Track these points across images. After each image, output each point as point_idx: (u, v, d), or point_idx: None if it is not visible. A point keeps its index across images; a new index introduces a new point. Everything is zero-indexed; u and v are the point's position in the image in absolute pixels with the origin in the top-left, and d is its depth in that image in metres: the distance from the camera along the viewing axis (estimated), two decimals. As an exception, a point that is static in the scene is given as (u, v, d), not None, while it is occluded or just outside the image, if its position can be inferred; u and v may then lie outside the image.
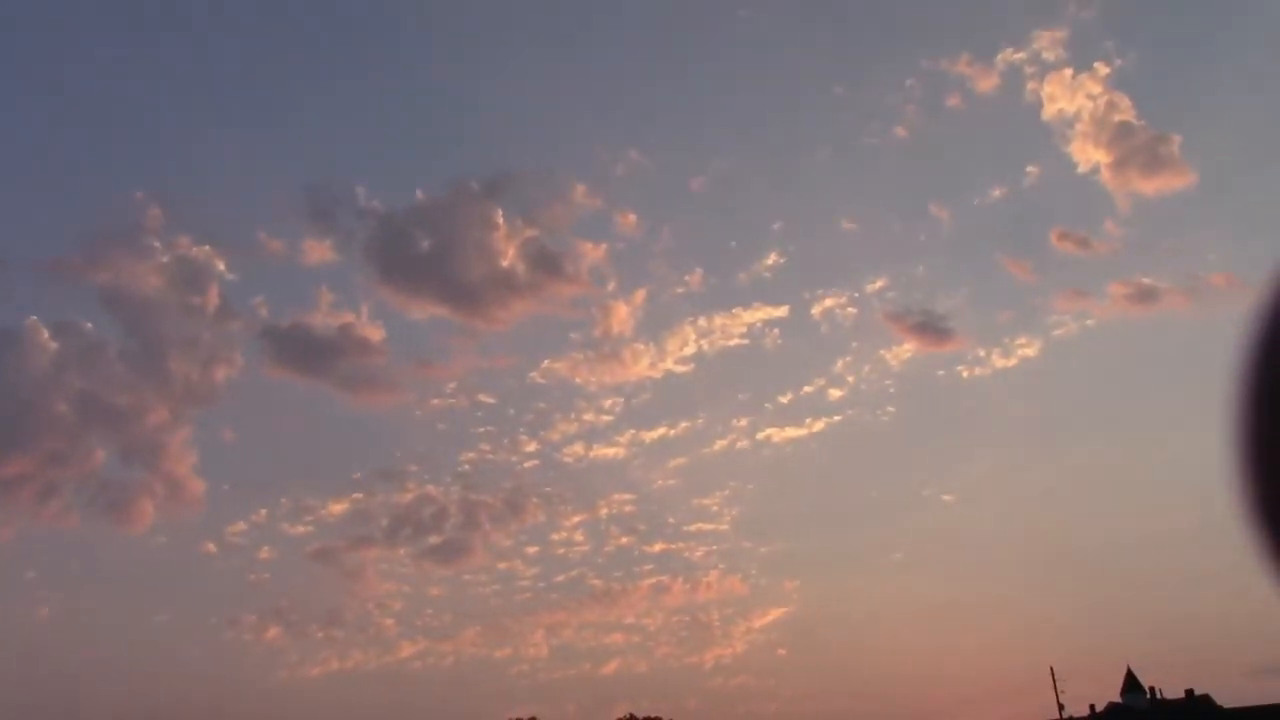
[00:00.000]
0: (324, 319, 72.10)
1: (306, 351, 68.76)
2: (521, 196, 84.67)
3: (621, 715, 48.18)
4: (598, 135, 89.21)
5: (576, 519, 73.16)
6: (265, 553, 70.83)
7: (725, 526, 72.01)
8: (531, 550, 72.81)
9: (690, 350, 74.90)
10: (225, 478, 75.92)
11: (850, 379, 72.65)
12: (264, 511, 71.04)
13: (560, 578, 73.40)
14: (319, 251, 75.64)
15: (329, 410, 76.45)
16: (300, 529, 70.44)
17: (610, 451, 73.60)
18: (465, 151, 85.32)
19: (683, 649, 70.19)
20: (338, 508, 71.54)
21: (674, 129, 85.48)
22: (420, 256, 73.18)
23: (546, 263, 74.04)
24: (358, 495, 76.52)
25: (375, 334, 72.53)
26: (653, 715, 47.99)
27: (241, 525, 70.62)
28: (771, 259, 76.97)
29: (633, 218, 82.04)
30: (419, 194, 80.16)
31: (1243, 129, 75.32)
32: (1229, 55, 77.87)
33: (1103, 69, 73.88)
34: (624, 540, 72.71)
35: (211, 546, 67.74)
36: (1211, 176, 71.57)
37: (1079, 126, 68.63)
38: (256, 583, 70.65)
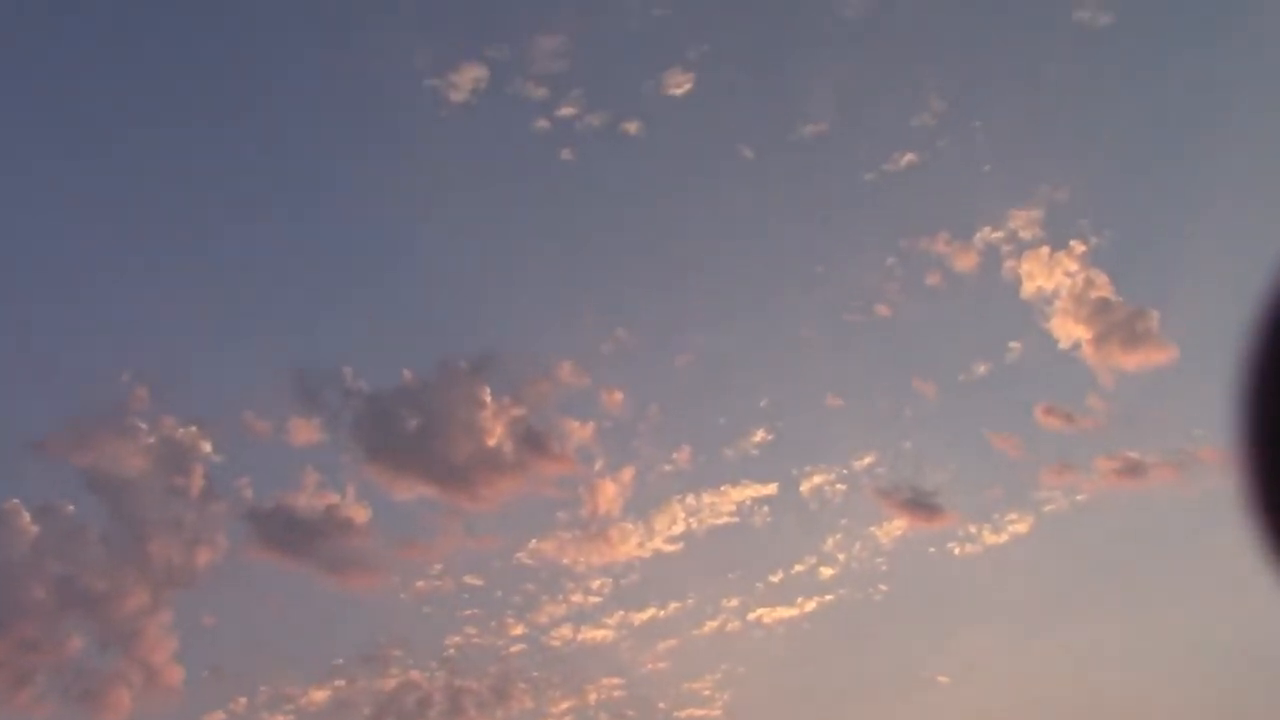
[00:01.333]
0: (309, 500, 70.60)
1: (290, 533, 67.25)
2: (509, 375, 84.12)
3: None
4: (585, 313, 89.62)
5: (565, 705, 69.96)
6: (241, 745, 68.11)
7: (718, 711, 68.84)
8: (516, 738, 69.84)
9: (679, 529, 73.14)
10: (205, 664, 73.08)
11: (841, 557, 70.54)
12: (243, 700, 68.36)
13: (548, 767, 70.17)
14: (306, 431, 74.84)
15: (311, 593, 74.18)
16: (280, 718, 67.85)
17: (599, 634, 71.05)
18: (453, 331, 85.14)
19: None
20: (319, 695, 68.64)
21: (660, 307, 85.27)
22: (407, 436, 72.22)
23: (533, 441, 72.99)
24: (339, 682, 73.42)
25: (360, 514, 70.99)
26: None
27: (220, 715, 67.91)
28: (759, 435, 75.85)
29: (620, 395, 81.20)
30: (406, 374, 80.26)
31: (1219, 304, 75.89)
32: (1201, 231, 79.06)
33: (1079, 247, 74.51)
34: (614, 728, 69.87)
35: (186, 738, 65.38)
36: (1191, 350, 71.49)
37: (1058, 303, 68.73)
38: (230, 778, 67.67)
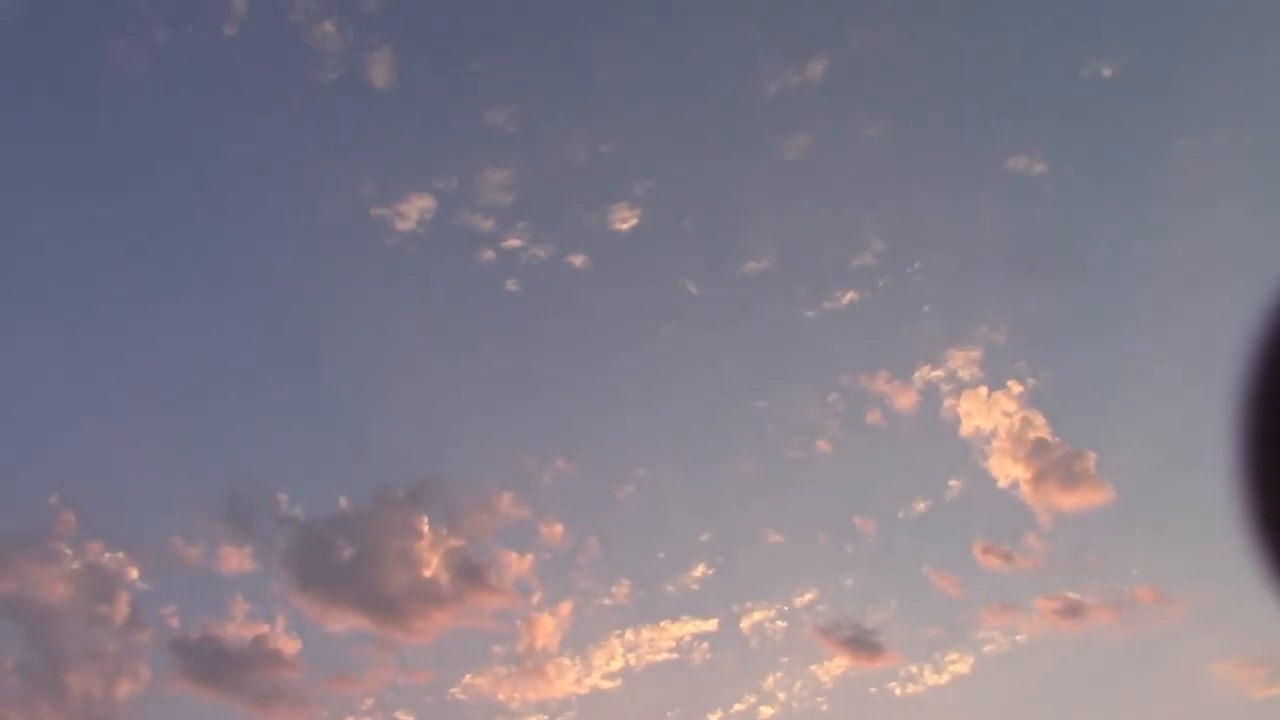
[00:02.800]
0: (237, 630, 68.35)
1: (216, 664, 64.69)
2: (447, 504, 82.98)
3: None
4: (525, 443, 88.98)
5: None
6: None
7: None
8: None
9: (617, 665, 71.61)
10: (114, 805, 69.92)
11: (781, 695, 69.39)
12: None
13: None
14: (236, 559, 72.53)
15: (235, 728, 71.66)
16: None
17: (533, 773, 69.07)
18: (391, 459, 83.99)
19: None
20: (238, 838, 65.56)
21: (601, 439, 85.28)
22: (341, 565, 70.57)
23: (470, 573, 71.68)
24: (260, 825, 70.39)
25: (290, 646, 68.59)
26: None
27: None
28: (699, 570, 75.04)
29: (559, 528, 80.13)
30: (342, 502, 78.83)
31: (1156, 446, 77.34)
32: (1138, 374, 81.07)
33: (1016, 387, 76.28)
34: None
35: None
36: (1129, 492, 72.52)
37: (996, 443, 70.02)
38: None
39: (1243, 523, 0.75)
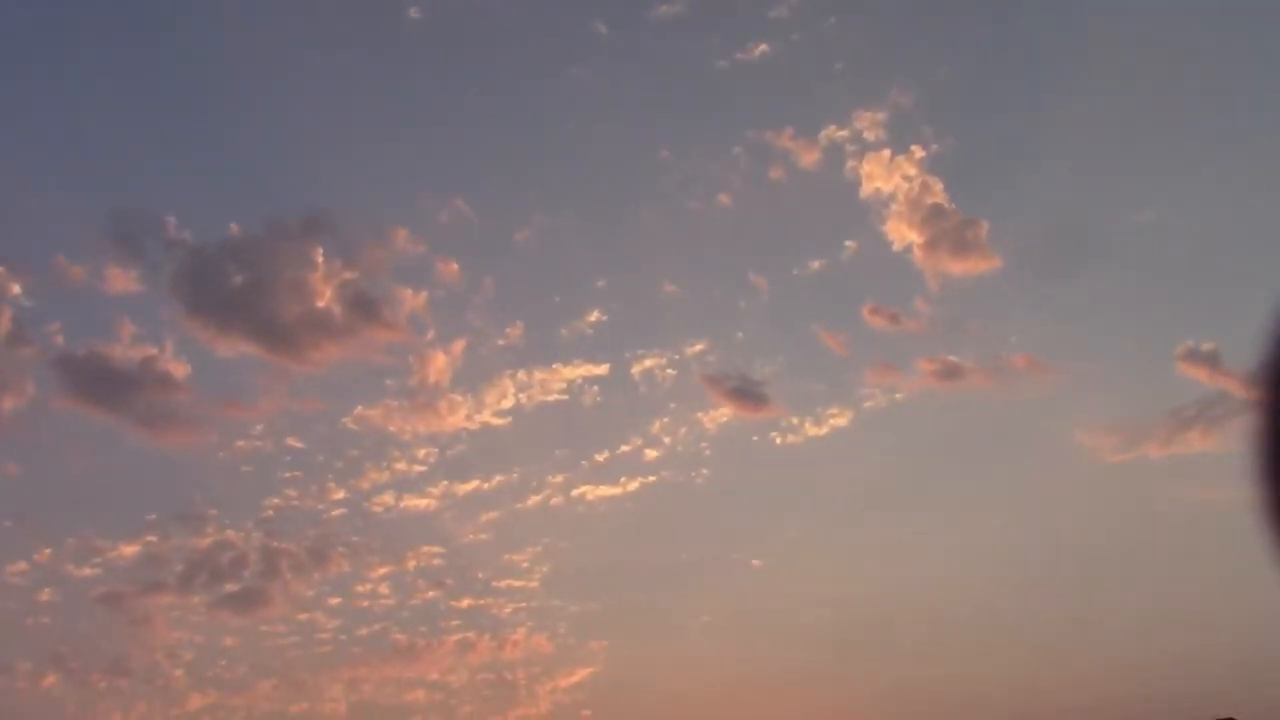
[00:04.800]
0: (125, 351, 68.21)
1: (103, 384, 64.44)
2: (341, 237, 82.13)
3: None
4: (423, 180, 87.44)
5: (383, 570, 70.51)
6: (46, 595, 65.73)
7: (535, 584, 70.52)
8: (334, 601, 69.67)
9: (508, 404, 73.37)
10: (6, 514, 70.62)
11: (667, 440, 72.43)
12: (47, 551, 66.10)
13: (363, 631, 70.41)
14: (122, 281, 71.49)
15: (124, 447, 71.98)
16: (86, 571, 65.49)
17: (421, 503, 71.31)
18: (286, 187, 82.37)
19: (486, 708, 68.17)
20: (129, 550, 66.92)
21: (500, 179, 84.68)
22: (231, 292, 70.07)
23: (364, 307, 71.62)
24: (151, 538, 71.83)
25: (179, 370, 68.64)
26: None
27: (22, 565, 65.47)
28: (594, 316, 76.63)
29: (455, 267, 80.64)
30: (234, 228, 77.18)
31: (1046, 221, 79.64)
32: (1037, 152, 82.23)
33: (919, 152, 77.17)
34: (431, 594, 70.31)
35: (-16, 587, 63.02)
36: (1015, 263, 75.12)
37: (894, 207, 71.21)
38: (35, 627, 65.43)
39: (1260, 516, 0.75)
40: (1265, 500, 0.75)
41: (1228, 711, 42.40)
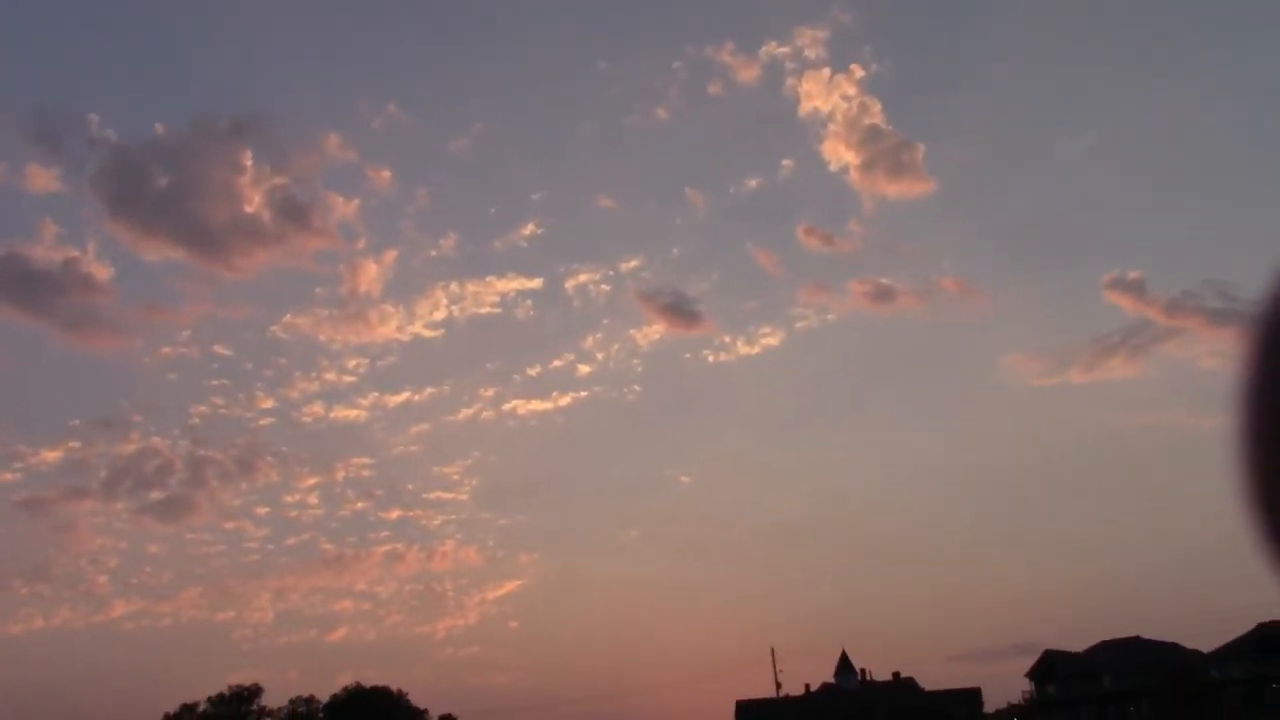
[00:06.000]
0: (46, 252, 66.37)
1: (24, 285, 63.14)
2: (272, 141, 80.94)
3: (347, 684, 46.72)
4: (357, 85, 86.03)
5: (311, 481, 70.61)
6: (-36, 499, 64.86)
7: (465, 496, 71.28)
8: (261, 511, 69.82)
9: (440, 315, 73.59)
10: (-80, 414, 68.98)
11: (599, 356, 73.31)
12: (-36, 455, 65.00)
13: (291, 541, 70.75)
14: (43, 179, 69.50)
15: (47, 351, 70.68)
16: (8, 476, 64.86)
17: (351, 413, 71.43)
18: (214, 87, 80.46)
19: (414, 618, 69.07)
20: (51, 455, 66.22)
21: (437, 88, 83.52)
22: (157, 194, 68.45)
23: (294, 213, 70.74)
24: (74, 443, 70.99)
25: (102, 272, 67.35)
26: (379, 684, 46.77)
27: (-63, 467, 64.38)
28: (529, 229, 76.60)
29: (388, 174, 79.71)
30: (159, 128, 75.29)
31: (982, 146, 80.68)
32: (975, 77, 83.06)
33: (859, 72, 77.60)
34: (360, 505, 70.83)
35: (-96, 490, 61.73)
36: (950, 187, 76.45)
37: (832, 126, 71.56)
38: (-48, 532, 64.67)
39: (1247, 504, 0.72)
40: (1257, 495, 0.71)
41: (1133, 629, 44.29)
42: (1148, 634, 46.16)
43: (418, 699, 46.92)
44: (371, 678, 48.09)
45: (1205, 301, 72.84)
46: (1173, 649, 45.15)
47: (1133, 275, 73.52)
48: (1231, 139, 75.92)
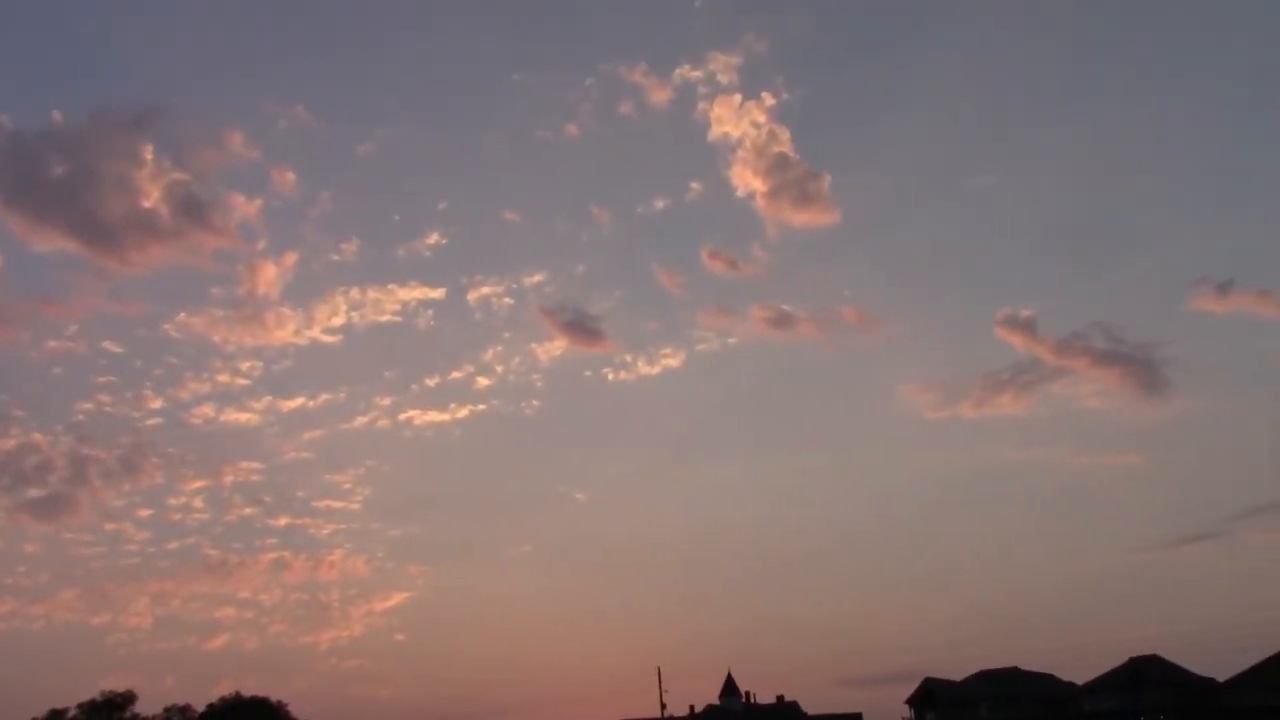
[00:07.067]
0: (-72, 237, 63.85)
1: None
2: (173, 135, 79.07)
3: (225, 693, 45.56)
4: (264, 84, 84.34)
5: (198, 484, 68.88)
6: None
7: (356, 505, 70.19)
8: (144, 513, 67.95)
9: (339, 321, 72.66)
10: None
11: (499, 369, 72.97)
12: None
13: (173, 544, 68.90)
14: (-70, 159, 66.86)
15: (-77, 337, 67.81)
16: (-125, 466, 61.97)
17: (243, 417, 70.02)
18: (116, 77, 78.24)
19: (298, 628, 67.67)
20: (-76, 446, 63.55)
21: (345, 91, 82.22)
22: (51, 183, 66.29)
23: (193, 210, 69.17)
24: (-50, 435, 68.30)
25: (-10, 261, 64.96)
26: (259, 694, 45.73)
27: None
28: (433, 238, 76.09)
29: (291, 176, 78.38)
30: (56, 115, 72.94)
31: (887, 179, 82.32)
32: (883, 113, 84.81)
33: (769, 100, 78.83)
34: (247, 511, 69.34)
35: None
36: (854, 219, 77.87)
37: (740, 152, 72.38)
38: None
39: None
40: None
41: (1011, 659, 45.33)
42: (1025, 665, 47.33)
43: (298, 711, 46.02)
44: (251, 687, 47.03)
45: (1093, 342, 75.41)
46: (1048, 680, 46.33)
47: (1025, 313, 75.70)
48: (1129, 184, 78.82)
